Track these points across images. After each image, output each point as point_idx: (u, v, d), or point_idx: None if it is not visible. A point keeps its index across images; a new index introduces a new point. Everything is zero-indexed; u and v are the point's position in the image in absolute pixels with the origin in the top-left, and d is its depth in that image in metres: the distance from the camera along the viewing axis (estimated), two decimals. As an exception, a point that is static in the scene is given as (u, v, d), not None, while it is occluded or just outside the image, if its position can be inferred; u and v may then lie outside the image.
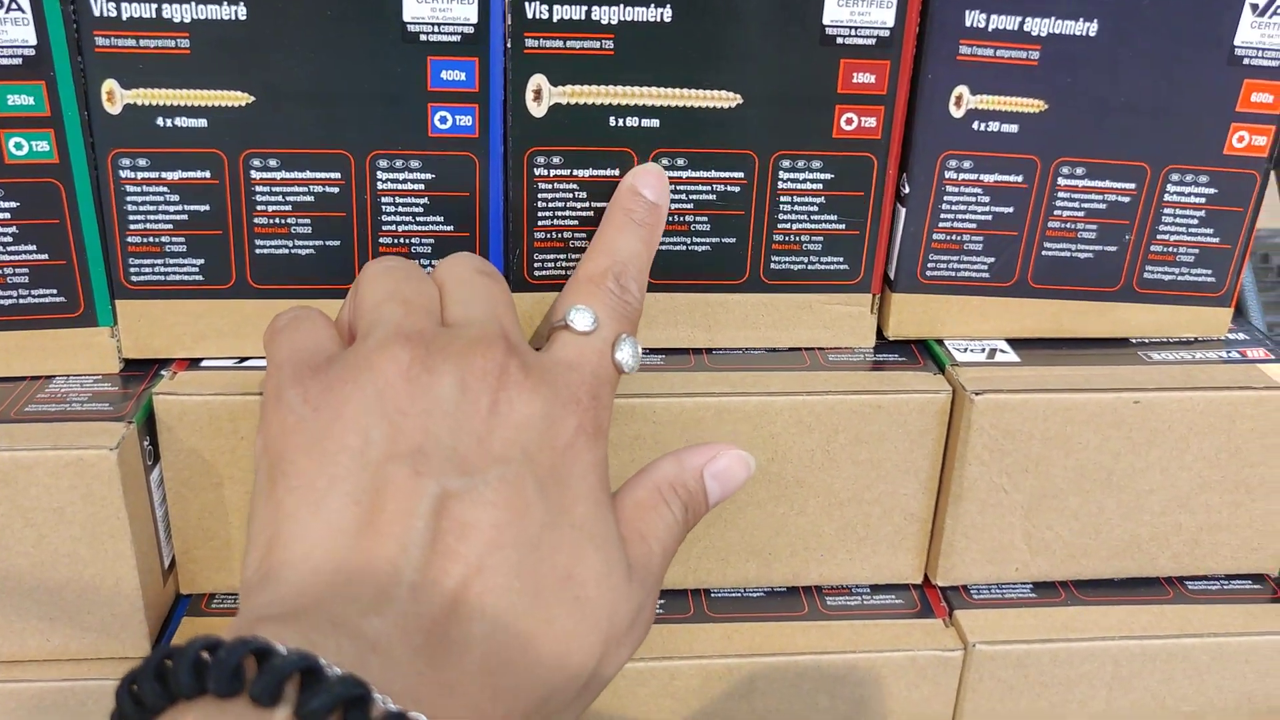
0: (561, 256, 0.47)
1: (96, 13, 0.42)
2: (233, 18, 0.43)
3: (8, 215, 0.45)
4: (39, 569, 0.44)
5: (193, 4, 0.42)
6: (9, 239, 0.45)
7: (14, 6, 0.42)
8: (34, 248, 0.45)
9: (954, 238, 0.48)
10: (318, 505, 0.31)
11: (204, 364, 0.48)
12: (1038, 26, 0.45)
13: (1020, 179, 0.47)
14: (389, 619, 0.29)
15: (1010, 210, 0.48)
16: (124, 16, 0.42)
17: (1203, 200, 0.48)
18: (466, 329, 0.35)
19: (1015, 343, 0.50)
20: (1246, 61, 0.46)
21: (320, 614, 0.29)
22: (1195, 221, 0.49)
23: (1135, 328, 0.51)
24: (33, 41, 0.42)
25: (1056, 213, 0.48)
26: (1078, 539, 0.49)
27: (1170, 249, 0.49)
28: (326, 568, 0.30)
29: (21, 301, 0.46)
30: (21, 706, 0.45)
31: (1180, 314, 0.51)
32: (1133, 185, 0.48)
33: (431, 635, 0.29)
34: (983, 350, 0.49)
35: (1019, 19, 0.45)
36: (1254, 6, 0.45)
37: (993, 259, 0.49)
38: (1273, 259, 0.85)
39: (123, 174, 0.45)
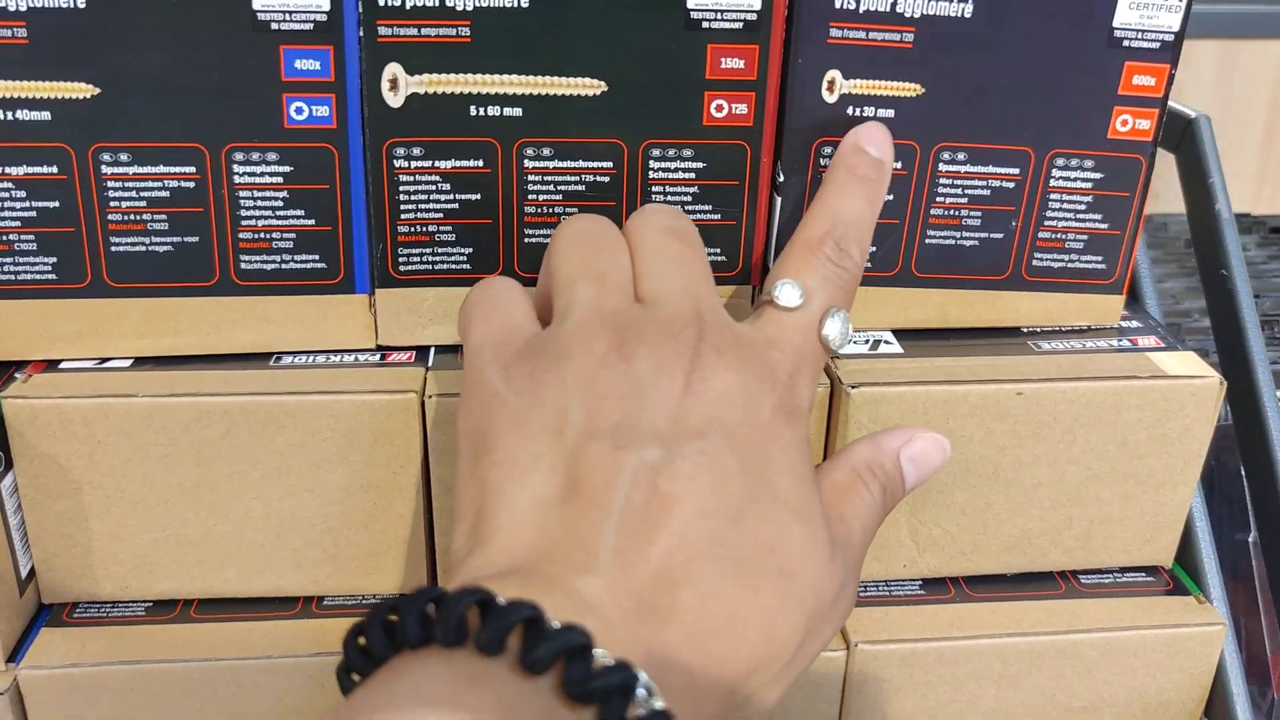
0: (428, 250, 0.46)
1: (-73, 5, 0.41)
2: (70, 5, 0.41)
3: None
4: (-119, 580, 0.42)
5: (29, -8, 0.41)
6: None
7: None
8: (-124, 248, 0.44)
9: (834, 227, 0.47)
10: (522, 479, 0.32)
11: (62, 366, 0.46)
12: (911, 7, 0.44)
13: (899, 165, 0.46)
14: (599, 582, 0.29)
15: (890, 198, 0.47)
16: (-42, 9, 0.41)
17: (1089, 185, 0.47)
18: (660, 308, 0.35)
19: (901, 333, 0.49)
20: (1126, 43, 0.45)
21: (535, 574, 0.30)
22: (1082, 207, 0.48)
23: (1025, 316, 0.49)
24: None
25: (939, 199, 0.47)
26: (966, 534, 0.48)
27: (1058, 235, 0.48)
28: (534, 535, 0.31)
29: None
30: None
31: (1070, 302, 0.49)
32: (1016, 170, 0.47)
33: (641, 600, 0.30)
34: (866, 342, 0.48)
35: (891, 0, 0.43)
36: (1130, -15, 0.44)
37: (875, 248, 0.47)
38: (1171, 227, 0.84)
39: (-35, 171, 0.43)
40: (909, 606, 0.48)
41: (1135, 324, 0.51)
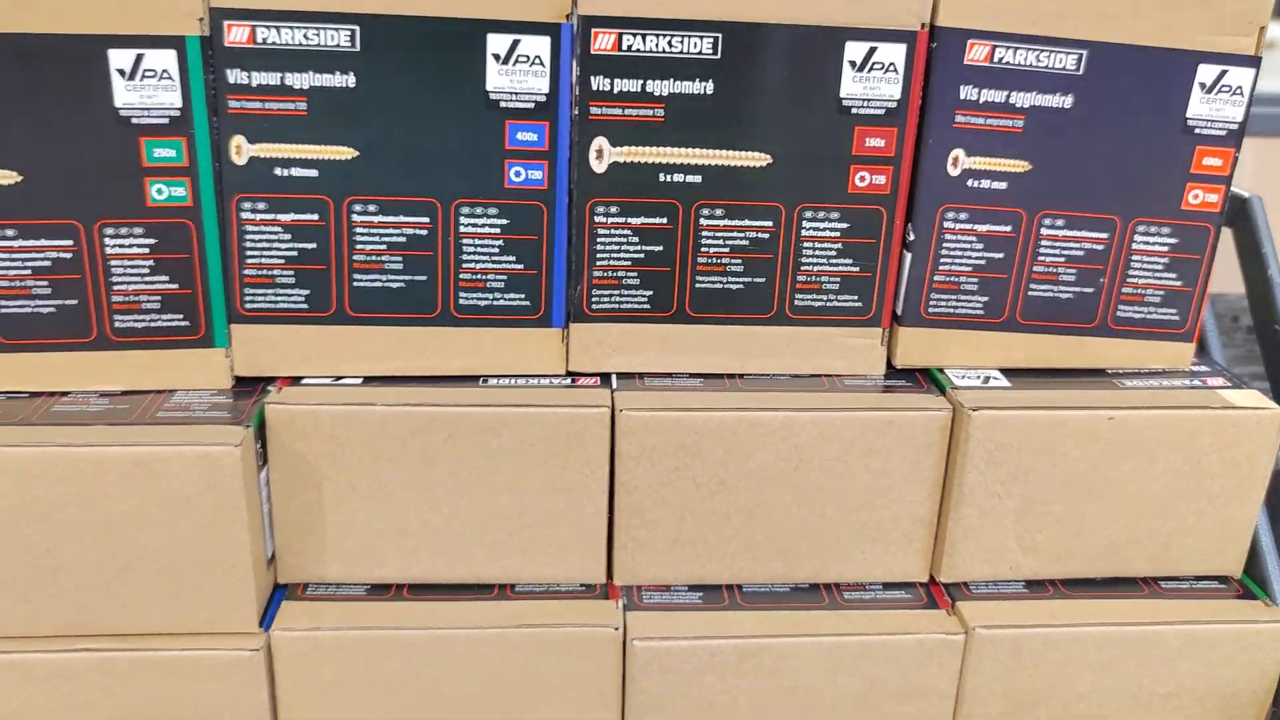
0: (615, 292, 0.55)
1: (231, 80, 0.50)
2: (343, 85, 0.51)
3: (146, 250, 0.52)
4: (166, 552, 0.51)
5: (310, 73, 0.51)
6: (146, 270, 0.53)
7: (165, 75, 0.50)
8: (166, 278, 0.53)
9: (952, 279, 0.56)
10: None
11: (304, 382, 0.55)
12: (1022, 100, 0.53)
13: (1009, 229, 0.55)
14: None
15: (1001, 256, 0.56)
16: (254, 84, 0.51)
17: (1166, 249, 0.56)
18: None
19: (1006, 372, 0.58)
20: (1198, 131, 0.54)
21: None
22: (1160, 267, 0.57)
23: (1110, 359, 0.58)
24: (178, 105, 0.50)
25: (1040, 258, 0.56)
26: (1063, 541, 0.56)
27: (1139, 290, 0.57)
28: None
29: (153, 325, 0.54)
30: (142, 672, 0.52)
31: (1148, 348, 0.58)
32: (1105, 235, 0.56)
33: None
34: (979, 377, 0.57)
35: (1006, 93, 0.53)
36: (1202, 85, 0.53)
37: (986, 298, 0.56)
38: (1242, 320, 0.93)
39: (244, 215, 0.53)
40: (1015, 602, 0.56)
41: (1204, 368, 0.60)
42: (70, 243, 0.52)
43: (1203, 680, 0.56)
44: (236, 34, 0.50)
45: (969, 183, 0.54)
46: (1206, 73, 0.53)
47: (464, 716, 0.55)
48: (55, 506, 0.50)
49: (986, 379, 0.57)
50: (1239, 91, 0.54)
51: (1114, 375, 0.58)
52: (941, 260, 0.56)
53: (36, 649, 0.51)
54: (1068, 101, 0.53)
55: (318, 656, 0.53)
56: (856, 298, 0.56)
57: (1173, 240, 0.56)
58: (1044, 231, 0.56)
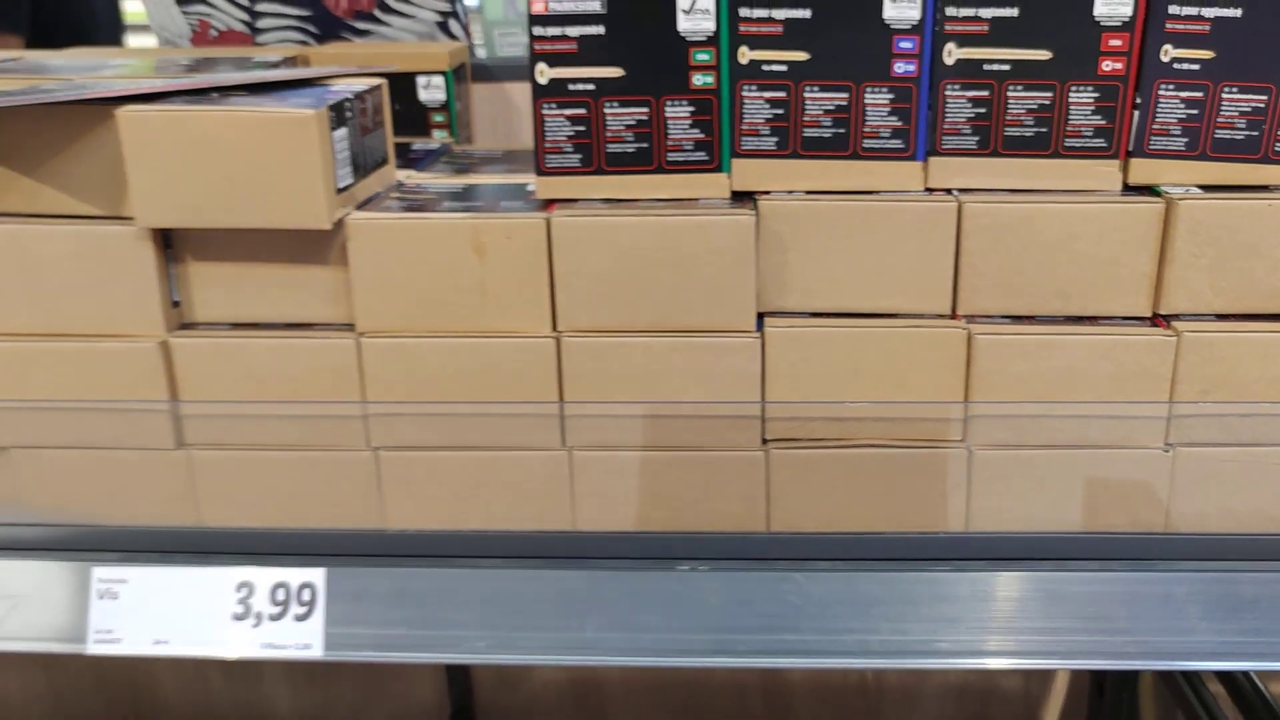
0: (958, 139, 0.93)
1: (740, 14, 0.90)
2: (802, 17, 0.90)
3: (688, 114, 0.92)
4: (703, 286, 0.90)
5: (791, 9, 0.90)
6: (686, 126, 0.93)
7: (704, 11, 0.90)
8: (698, 131, 0.93)
9: (1163, 127, 0.91)
10: None
11: (770, 194, 0.94)
12: (1208, 11, 0.89)
13: (1200, 94, 0.90)
14: None
15: (1195, 112, 0.91)
16: (753, 15, 0.90)
17: (1304, 106, 0.91)
18: None
19: (1201, 186, 0.92)
20: (1323, 29, 0.89)
21: None
22: (1301, 118, 0.91)
23: (1273, 177, 0.92)
24: (712, 29, 0.90)
25: (1222, 112, 0.91)
26: (1241, 287, 0.90)
27: (1287, 134, 0.91)
28: None
29: (688, 159, 0.93)
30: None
31: (1295, 171, 0.92)
32: (1265, 97, 0.90)
33: None
34: (1183, 190, 0.92)
35: (1197, 9, 0.89)
36: (1324, -1, 0.88)
37: (1186, 139, 0.92)
38: None
39: (744, 94, 0.92)
40: (1208, 321, 0.91)
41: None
42: (646, 111, 0.92)
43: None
44: (751, -12, 0.90)
45: (1174, 66, 0.90)
46: (1326, -7, 0.88)
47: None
48: (703, 251, 0.89)
49: (1187, 190, 0.92)
50: (1348, 4, 0.88)
51: (1276, 189, 0.92)
52: (1157, 115, 0.91)
53: (631, 335, 0.91)
54: (1238, 12, 0.88)
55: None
56: (1104, 140, 0.92)
57: (1309, 100, 0.91)
58: (1223, 96, 0.90)
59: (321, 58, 1.24)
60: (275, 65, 1.18)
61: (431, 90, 1.22)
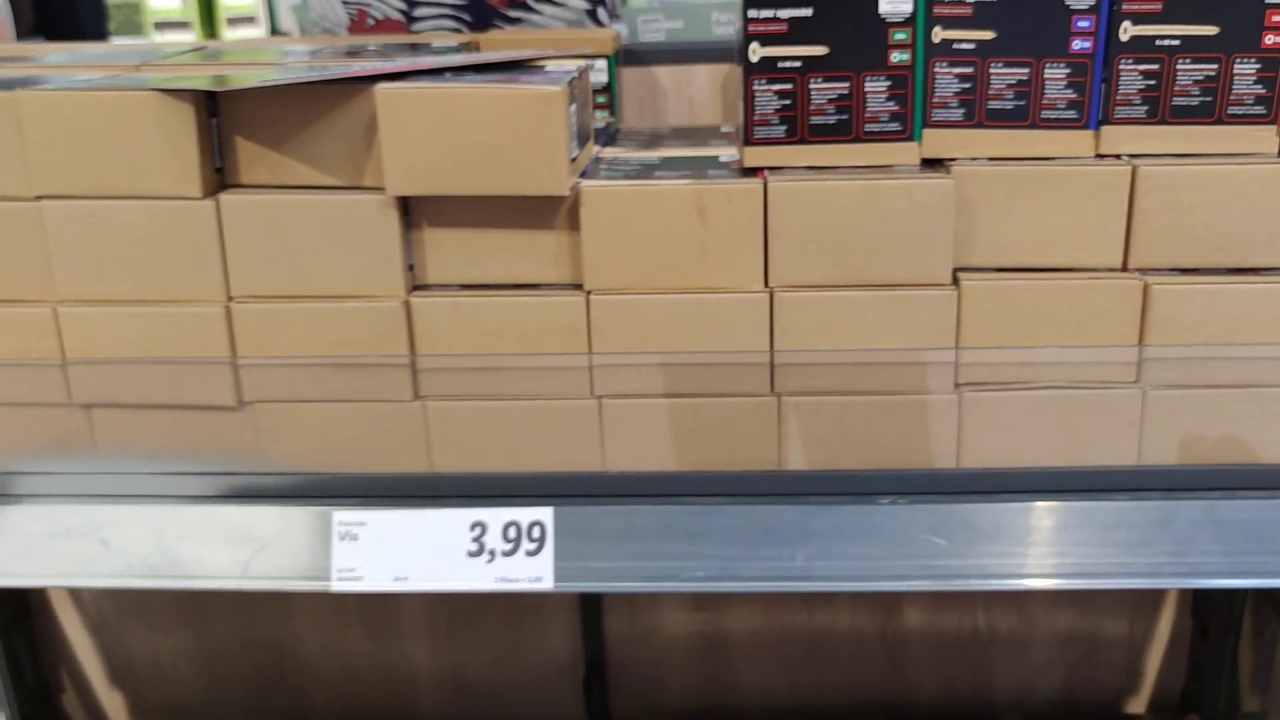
0: (1129, 107, 1.02)
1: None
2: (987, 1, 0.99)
3: (885, 88, 1.01)
4: (892, 240, 0.99)
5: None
6: (884, 99, 1.01)
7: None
8: (894, 104, 1.01)
9: (1320, 96, 1.01)
10: None
11: (958, 162, 1.03)
12: (1361, -8, 0.98)
13: (1353, 65, 1.00)
14: None
15: None
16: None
17: None
18: None
19: None
20: None
21: None
22: None
23: None
24: (909, 10, 0.99)
25: None
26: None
27: None
28: None
29: (883, 129, 1.02)
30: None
31: None
32: None
33: None
34: None
35: (1353, -12, 0.98)
36: None
37: (1339, 106, 1.01)
38: None
39: (937, 70, 1.01)
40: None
41: None
42: (847, 85, 1.01)
43: None
44: (948, -28, 0.99)
45: (1331, 39, 0.99)
46: None
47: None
48: (906, 212, 0.98)
49: None
50: None
51: None
52: (1313, 85, 1.00)
53: (838, 289, 1.00)
54: (1388, -9, 0.98)
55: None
56: (1264, 108, 1.01)
57: None
58: None
59: (491, 44, 1.33)
60: (454, 50, 1.27)
61: (595, 73, 1.31)
